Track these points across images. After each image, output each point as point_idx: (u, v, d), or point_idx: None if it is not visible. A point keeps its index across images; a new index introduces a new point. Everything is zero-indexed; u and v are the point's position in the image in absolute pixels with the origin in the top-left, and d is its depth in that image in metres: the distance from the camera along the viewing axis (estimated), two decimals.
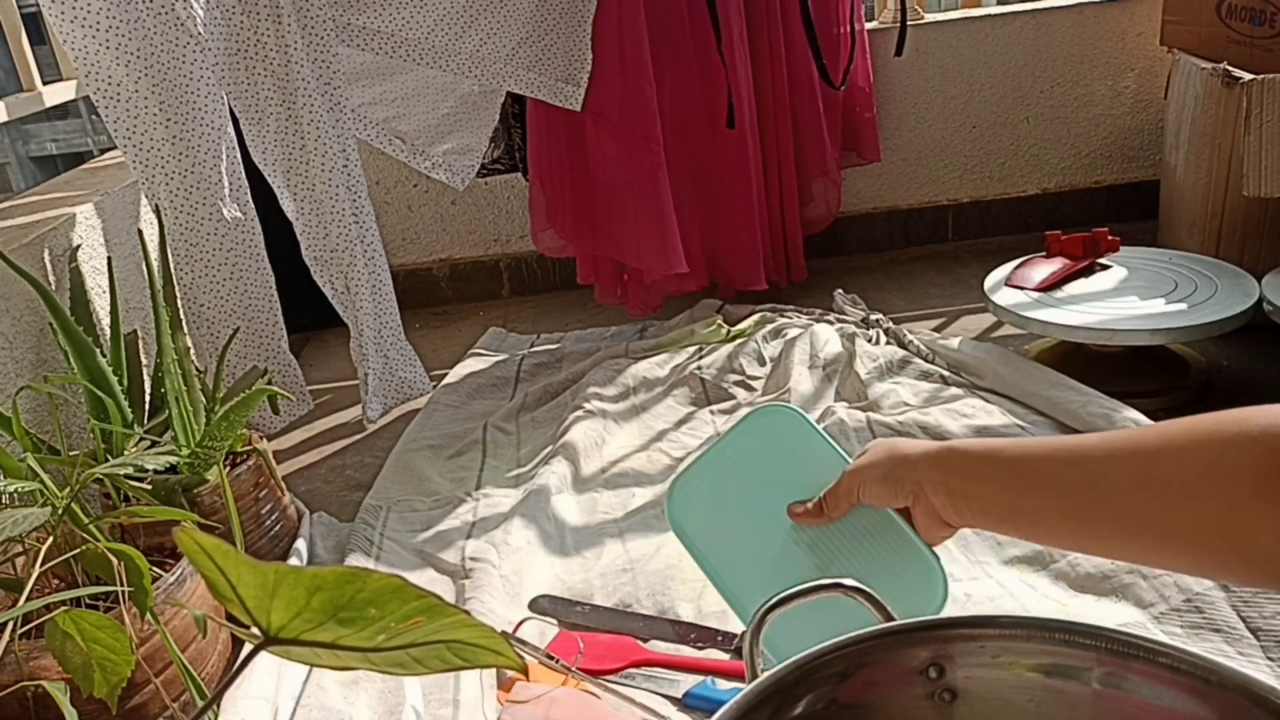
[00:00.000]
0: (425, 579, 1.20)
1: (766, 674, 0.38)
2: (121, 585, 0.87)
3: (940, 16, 2.19)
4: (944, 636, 0.40)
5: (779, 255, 2.01)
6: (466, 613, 0.38)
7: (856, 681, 0.40)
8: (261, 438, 1.30)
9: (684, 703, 0.94)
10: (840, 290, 1.93)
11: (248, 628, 0.39)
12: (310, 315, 1.94)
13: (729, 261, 1.95)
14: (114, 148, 1.79)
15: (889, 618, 0.42)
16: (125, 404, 1.21)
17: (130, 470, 0.97)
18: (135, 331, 1.37)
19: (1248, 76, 1.55)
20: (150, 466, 0.98)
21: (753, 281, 1.93)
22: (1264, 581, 0.43)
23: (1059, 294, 1.52)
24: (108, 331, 1.32)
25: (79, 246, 1.40)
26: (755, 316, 1.83)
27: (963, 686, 0.40)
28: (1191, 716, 0.36)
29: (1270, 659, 0.89)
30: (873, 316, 1.77)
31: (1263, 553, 0.43)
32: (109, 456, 1.10)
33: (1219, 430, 0.47)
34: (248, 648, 1.07)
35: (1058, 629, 0.39)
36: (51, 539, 0.91)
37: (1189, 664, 0.36)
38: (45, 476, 0.94)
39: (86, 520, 0.93)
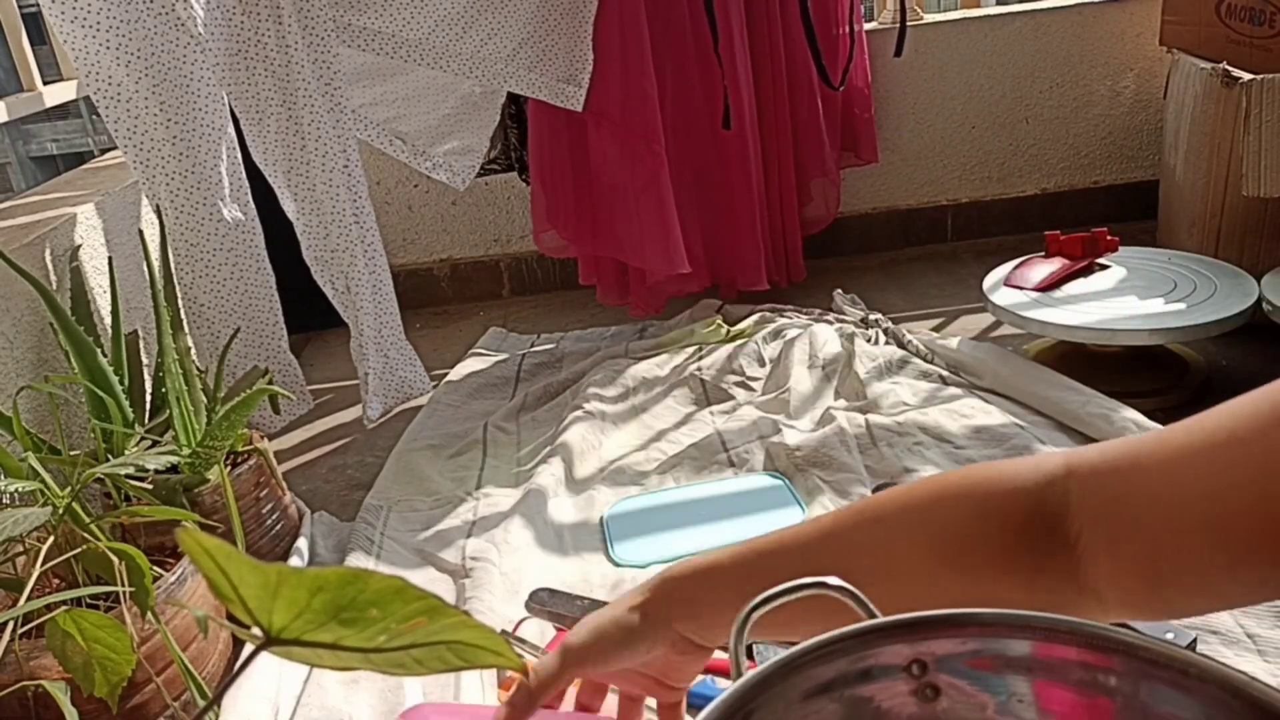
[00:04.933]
0: (426, 578, 1.20)
1: (750, 673, 0.38)
2: (122, 585, 0.87)
3: (939, 17, 2.19)
4: (925, 634, 0.40)
5: (779, 255, 2.01)
6: (467, 614, 0.38)
7: (839, 679, 0.40)
8: (262, 437, 1.30)
9: None
10: (839, 290, 1.93)
11: (248, 628, 0.39)
12: (310, 315, 1.94)
13: (731, 262, 1.95)
14: (114, 148, 1.79)
15: (871, 615, 0.42)
16: (126, 404, 1.21)
17: (131, 470, 0.97)
18: (136, 331, 1.37)
19: (1247, 76, 1.55)
20: (151, 466, 0.99)
21: (754, 281, 1.93)
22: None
23: (1058, 294, 1.52)
24: (109, 331, 1.32)
25: (80, 246, 1.40)
26: (755, 316, 1.83)
27: (945, 682, 0.40)
28: (1172, 711, 0.36)
29: (1267, 662, 0.89)
30: (872, 316, 1.77)
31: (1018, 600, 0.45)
32: (110, 456, 1.10)
33: (937, 503, 0.49)
34: (248, 647, 1.07)
35: (1039, 625, 0.39)
36: (52, 539, 0.91)
37: (1167, 658, 0.37)
38: (46, 476, 0.94)
39: (87, 520, 0.93)
